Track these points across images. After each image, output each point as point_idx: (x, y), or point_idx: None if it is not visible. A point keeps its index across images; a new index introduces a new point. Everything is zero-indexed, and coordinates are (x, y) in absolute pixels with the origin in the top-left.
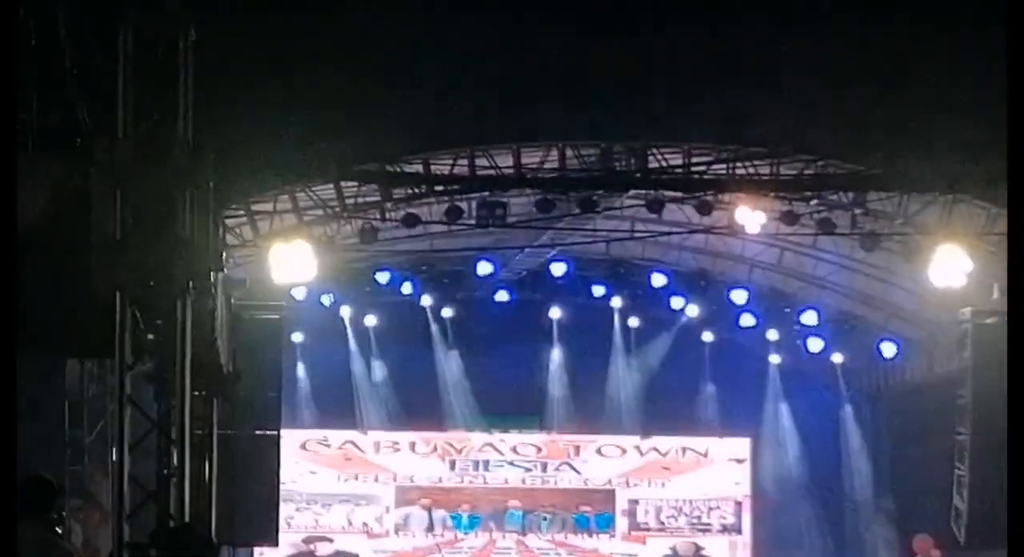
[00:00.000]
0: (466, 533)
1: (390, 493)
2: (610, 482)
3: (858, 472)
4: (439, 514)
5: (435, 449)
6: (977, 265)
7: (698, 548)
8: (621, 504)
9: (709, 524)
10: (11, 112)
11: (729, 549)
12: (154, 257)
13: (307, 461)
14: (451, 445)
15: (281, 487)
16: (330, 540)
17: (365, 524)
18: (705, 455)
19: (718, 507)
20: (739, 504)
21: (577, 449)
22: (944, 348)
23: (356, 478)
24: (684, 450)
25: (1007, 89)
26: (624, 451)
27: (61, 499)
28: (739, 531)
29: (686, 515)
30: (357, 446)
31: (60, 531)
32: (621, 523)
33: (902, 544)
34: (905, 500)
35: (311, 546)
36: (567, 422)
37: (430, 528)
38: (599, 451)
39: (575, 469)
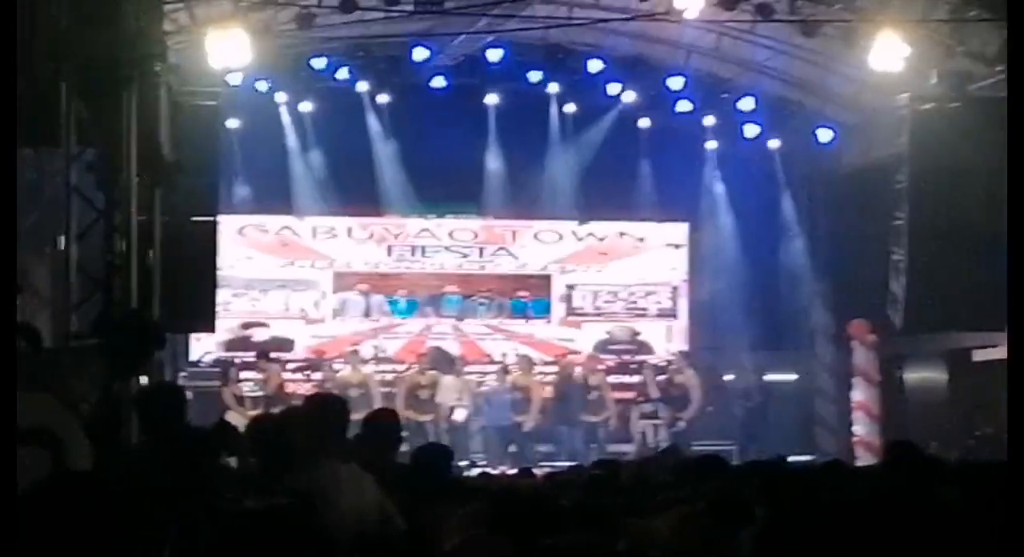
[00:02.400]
0: (403, 318)
1: (327, 278)
2: (547, 268)
3: (794, 257)
4: (376, 299)
5: (372, 235)
6: (915, 51)
7: (634, 333)
8: (558, 289)
9: (645, 309)
10: (11, 110)
11: (665, 334)
12: (99, 46)
13: (244, 247)
14: (388, 230)
15: (218, 273)
16: (266, 325)
17: (302, 309)
18: (642, 240)
19: (654, 292)
20: (675, 289)
21: (514, 235)
22: (881, 133)
23: (293, 263)
24: (621, 235)
25: (1007, 88)
26: (561, 236)
27: None
28: (675, 316)
29: (622, 300)
30: (294, 232)
31: None
32: (557, 308)
33: (838, 329)
34: (841, 285)
35: (248, 331)
36: (504, 208)
37: (367, 313)
38: (536, 236)
39: (512, 254)
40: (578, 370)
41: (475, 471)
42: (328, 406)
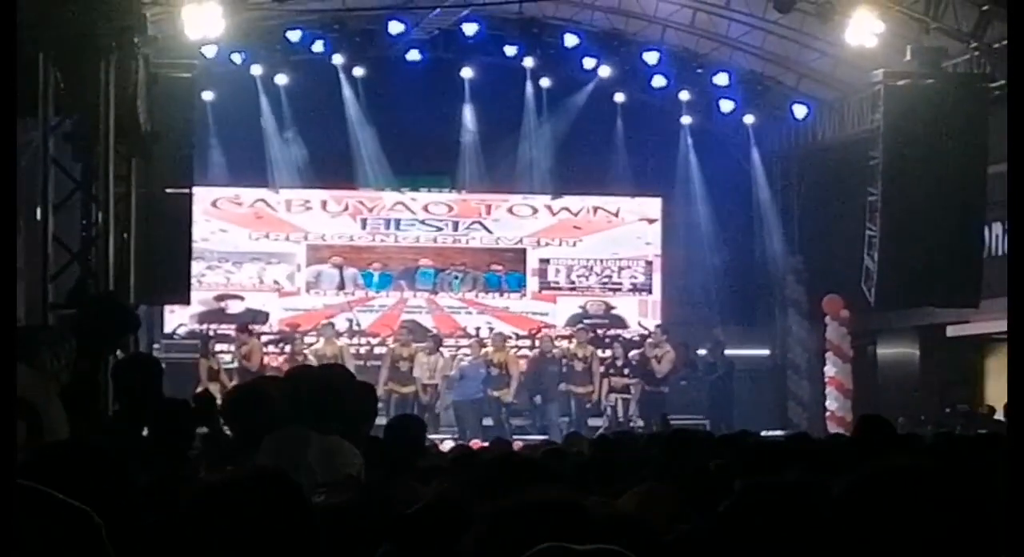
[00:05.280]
0: (377, 291)
1: (301, 251)
2: (521, 241)
3: (768, 233)
4: (350, 272)
5: (346, 208)
6: (890, 27)
7: (608, 307)
8: (532, 263)
9: (620, 283)
10: (11, 109)
11: (639, 308)
12: (77, 16)
13: (218, 219)
14: (362, 204)
15: (192, 245)
16: (241, 298)
17: (276, 282)
18: (616, 215)
19: (629, 266)
20: (649, 263)
21: (488, 208)
22: (855, 109)
23: (267, 236)
24: (595, 210)
25: (1007, 89)
26: (535, 210)
27: None
28: (649, 290)
29: (596, 274)
30: (268, 204)
31: None
32: (532, 282)
33: (812, 304)
34: (815, 261)
35: (222, 304)
36: (479, 182)
37: (341, 286)
38: (510, 210)
39: (486, 228)
40: (564, 342)
41: (448, 444)
42: (309, 378)
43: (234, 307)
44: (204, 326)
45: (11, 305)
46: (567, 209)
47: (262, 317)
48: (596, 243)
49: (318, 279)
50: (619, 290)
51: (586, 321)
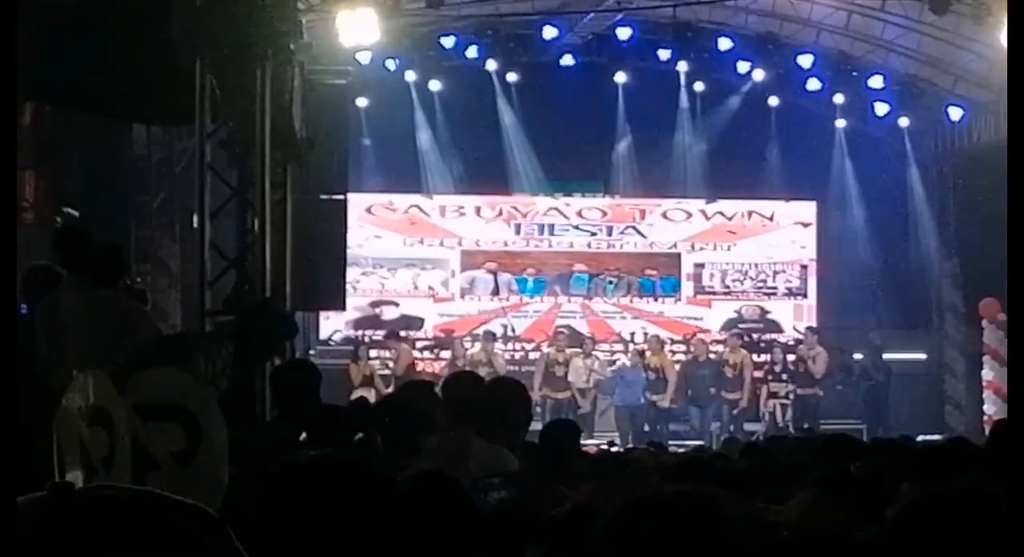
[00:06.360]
0: (531, 297)
1: (455, 257)
2: (675, 246)
3: (924, 236)
4: (504, 278)
5: (500, 213)
6: None
7: (764, 311)
8: (687, 268)
9: (775, 287)
10: (11, 108)
11: (794, 312)
12: (235, 24)
13: (373, 225)
14: (516, 209)
15: (347, 251)
16: (396, 304)
17: (431, 288)
18: (771, 219)
19: (784, 271)
20: (804, 267)
21: (643, 213)
22: None
23: (422, 242)
24: (750, 214)
25: (1007, 88)
26: (690, 215)
27: (130, 263)
28: (805, 294)
29: (751, 279)
30: (422, 210)
31: (138, 296)
32: (686, 287)
33: (968, 308)
34: (972, 264)
35: (377, 310)
36: (632, 187)
37: (495, 292)
38: (664, 215)
39: (640, 233)
40: (719, 347)
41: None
42: (462, 383)
43: (389, 313)
44: (359, 332)
45: (11, 304)
46: (721, 213)
47: (417, 323)
48: (751, 247)
49: (472, 285)
50: (774, 294)
51: (741, 326)
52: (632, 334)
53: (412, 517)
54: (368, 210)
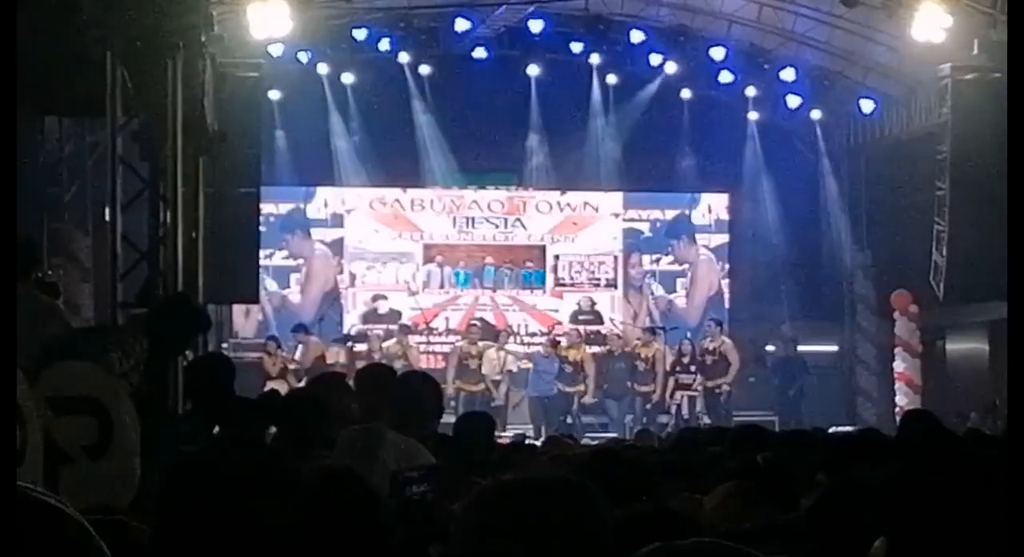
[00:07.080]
0: (462, 289)
1: (419, 250)
2: (542, 238)
3: (836, 228)
4: (447, 271)
5: (444, 206)
6: (956, 21)
7: (592, 302)
8: (549, 260)
9: (598, 279)
10: (11, 109)
11: (611, 303)
12: (145, 15)
13: (373, 220)
14: (452, 202)
15: (352, 246)
16: (385, 297)
17: (405, 281)
18: (597, 209)
19: (604, 262)
20: (616, 259)
21: (524, 205)
22: (923, 104)
23: (400, 236)
24: (585, 204)
25: (1007, 88)
26: (551, 207)
27: (42, 256)
28: (615, 286)
29: (586, 270)
30: (400, 204)
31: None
32: (550, 279)
33: (880, 300)
34: (883, 256)
35: (375, 304)
36: (545, 179)
37: (442, 285)
38: (536, 207)
39: (523, 225)
40: (635, 341)
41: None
42: (375, 375)
43: (382, 307)
44: (367, 326)
45: (11, 304)
46: (568, 205)
47: (395, 316)
48: (586, 238)
49: (429, 278)
50: (598, 286)
51: (580, 317)
52: (518, 326)
53: (316, 510)
54: (369, 205)
